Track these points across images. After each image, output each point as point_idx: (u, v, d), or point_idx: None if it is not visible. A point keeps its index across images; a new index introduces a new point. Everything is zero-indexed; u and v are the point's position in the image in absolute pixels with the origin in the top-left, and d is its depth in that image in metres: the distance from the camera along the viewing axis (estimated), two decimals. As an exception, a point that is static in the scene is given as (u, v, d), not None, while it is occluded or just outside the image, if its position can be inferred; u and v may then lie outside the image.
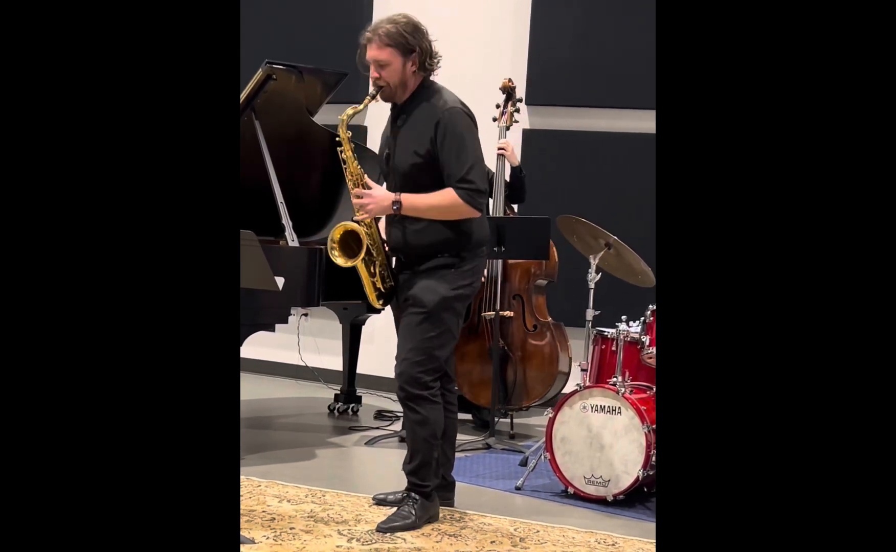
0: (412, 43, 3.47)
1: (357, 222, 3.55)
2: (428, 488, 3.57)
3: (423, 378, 3.51)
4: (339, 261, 3.56)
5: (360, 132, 6.31)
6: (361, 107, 3.55)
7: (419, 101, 3.52)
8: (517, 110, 5.23)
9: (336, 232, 3.56)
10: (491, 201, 5.15)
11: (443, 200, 3.44)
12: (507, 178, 5.15)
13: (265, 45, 5.86)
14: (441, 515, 3.66)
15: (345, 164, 3.56)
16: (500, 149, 5.07)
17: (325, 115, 5.00)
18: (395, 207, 3.46)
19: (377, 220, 3.64)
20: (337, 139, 3.57)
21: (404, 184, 3.52)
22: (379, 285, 3.61)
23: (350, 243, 3.57)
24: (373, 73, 3.51)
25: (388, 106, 3.64)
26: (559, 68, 5.97)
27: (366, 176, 3.58)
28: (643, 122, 5.74)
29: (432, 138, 3.44)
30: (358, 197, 3.51)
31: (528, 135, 5.96)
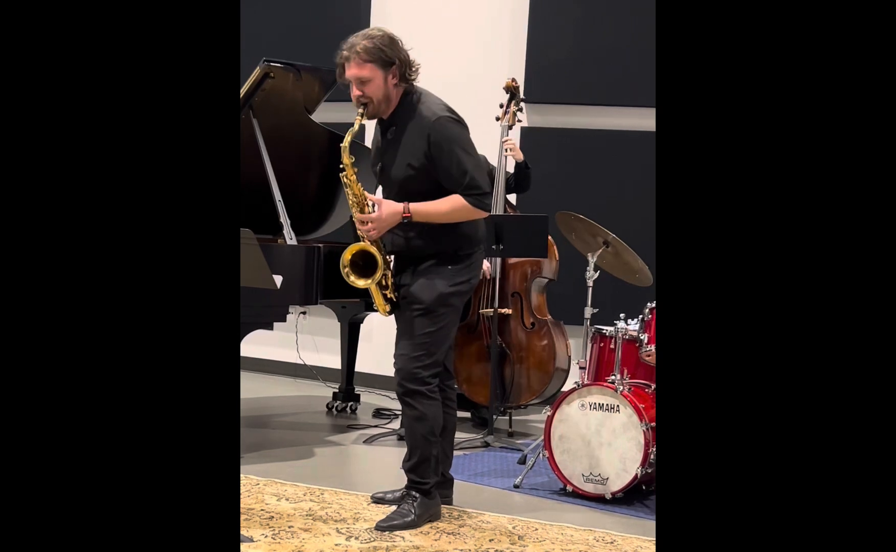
0: (391, 56, 3.44)
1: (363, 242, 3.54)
2: (427, 485, 3.56)
3: (420, 374, 3.51)
4: (358, 283, 3.51)
5: (358, 131, 6.30)
6: (356, 128, 3.51)
7: (406, 111, 3.51)
8: (520, 109, 5.26)
9: (346, 255, 3.51)
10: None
11: (453, 207, 3.45)
12: (512, 172, 5.17)
13: (263, 43, 5.86)
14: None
15: (347, 187, 3.54)
16: (507, 148, 5.09)
17: (324, 114, 5.00)
18: (404, 220, 3.46)
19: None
20: (341, 166, 3.53)
21: (401, 194, 3.51)
22: (390, 295, 3.59)
23: (359, 262, 3.53)
24: (355, 92, 3.49)
25: None
26: (557, 66, 5.97)
27: (368, 195, 3.54)
28: (642, 119, 5.75)
29: (426, 152, 3.44)
30: (362, 223, 3.49)
31: (526, 132, 5.96)
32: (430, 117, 3.47)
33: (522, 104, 5.30)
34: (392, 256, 3.64)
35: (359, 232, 3.53)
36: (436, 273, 3.51)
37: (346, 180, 3.53)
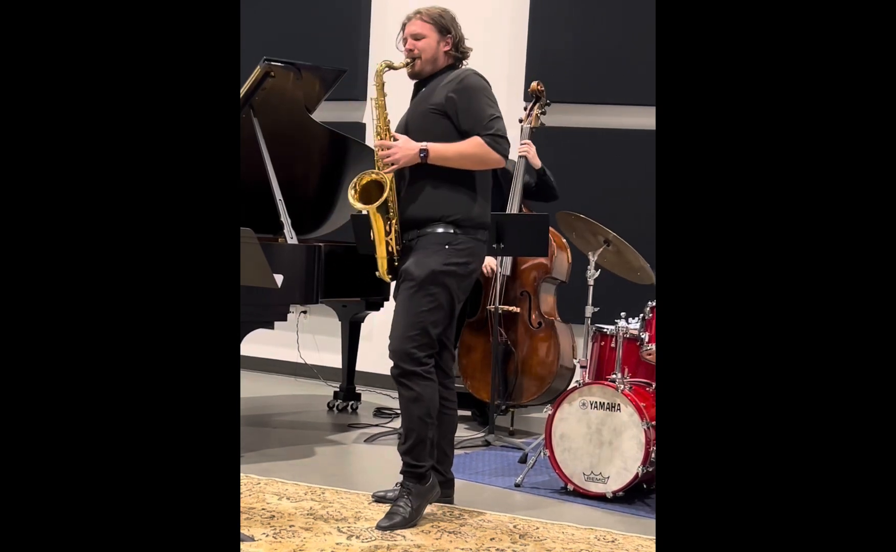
0: (449, 26, 3.69)
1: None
2: (423, 468, 3.55)
3: (415, 353, 3.51)
4: (357, 204, 3.57)
5: (358, 129, 6.32)
6: (399, 65, 3.67)
7: (443, 75, 3.67)
8: (544, 113, 5.30)
9: (363, 178, 3.58)
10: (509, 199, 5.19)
11: (470, 147, 3.52)
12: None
13: (263, 42, 5.86)
14: (440, 512, 3.66)
15: (375, 112, 3.63)
16: (522, 151, 5.14)
17: (324, 113, 5.01)
18: (422, 156, 3.52)
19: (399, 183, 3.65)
20: (373, 84, 3.67)
21: (418, 138, 3.58)
22: (392, 248, 3.59)
23: (372, 193, 3.58)
24: (407, 46, 3.68)
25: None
26: (557, 65, 5.97)
27: (392, 131, 3.63)
28: (642, 118, 5.75)
29: (448, 95, 3.56)
30: (384, 148, 3.56)
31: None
32: (463, 71, 3.66)
33: (547, 108, 5.33)
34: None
35: (378, 160, 3.57)
36: (431, 250, 3.52)
37: (375, 104, 3.64)
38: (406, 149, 3.53)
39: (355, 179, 3.59)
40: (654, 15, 2.23)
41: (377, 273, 3.64)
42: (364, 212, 3.58)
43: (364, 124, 6.40)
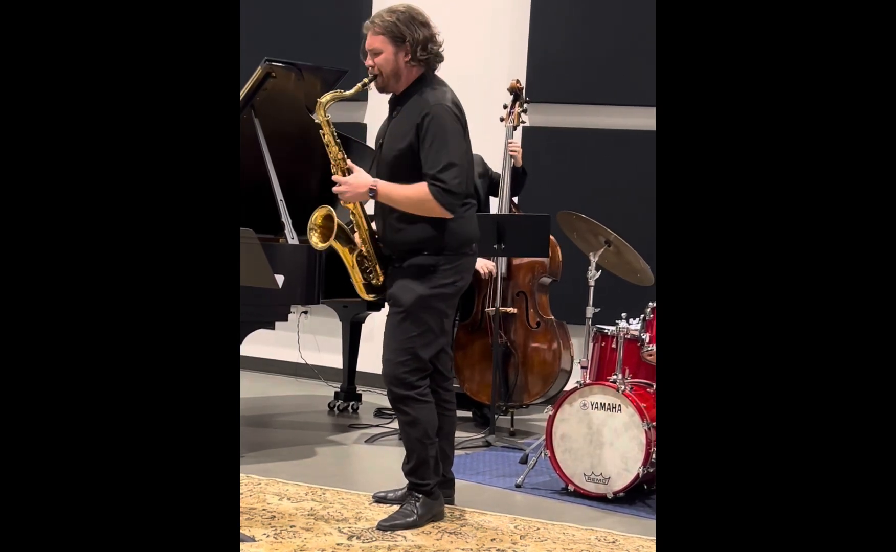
0: (404, 32, 3.45)
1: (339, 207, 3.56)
2: (428, 486, 3.56)
3: (407, 378, 3.49)
4: (319, 244, 3.53)
5: (359, 129, 6.32)
6: (348, 93, 3.55)
7: (414, 93, 3.50)
8: (524, 110, 5.28)
9: (316, 218, 3.55)
10: (494, 200, 5.19)
11: (415, 194, 3.41)
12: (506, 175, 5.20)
13: (264, 42, 5.86)
14: (441, 513, 3.67)
15: (327, 147, 3.54)
16: (512, 151, 5.13)
17: (325, 113, 5.01)
18: (370, 194, 3.45)
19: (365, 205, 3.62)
20: (316, 121, 3.55)
21: (388, 173, 3.49)
22: (368, 276, 3.58)
23: (330, 225, 3.54)
24: (367, 62, 3.52)
25: (387, 100, 3.64)
26: (558, 65, 5.98)
27: (348, 161, 3.53)
28: (643, 118, 5.75)
29: (416, 134, 3.42)
30: (338, 183, 3.50)
31: (527, 132, 5.96)
32: (434, 101, 3.44)
33: (526, 105, 5.32)
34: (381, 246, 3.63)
35: (334, 191, 3.52)
36: (417, 275, 3.47)
37: (324, 141, 3.54)
38: (356, 187, 3.45)
39: (310, 221, 3.55)
40: (654, 15, 2.22)
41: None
42: (322, 248, 3.55)
43: (365, 124, 6.40)
